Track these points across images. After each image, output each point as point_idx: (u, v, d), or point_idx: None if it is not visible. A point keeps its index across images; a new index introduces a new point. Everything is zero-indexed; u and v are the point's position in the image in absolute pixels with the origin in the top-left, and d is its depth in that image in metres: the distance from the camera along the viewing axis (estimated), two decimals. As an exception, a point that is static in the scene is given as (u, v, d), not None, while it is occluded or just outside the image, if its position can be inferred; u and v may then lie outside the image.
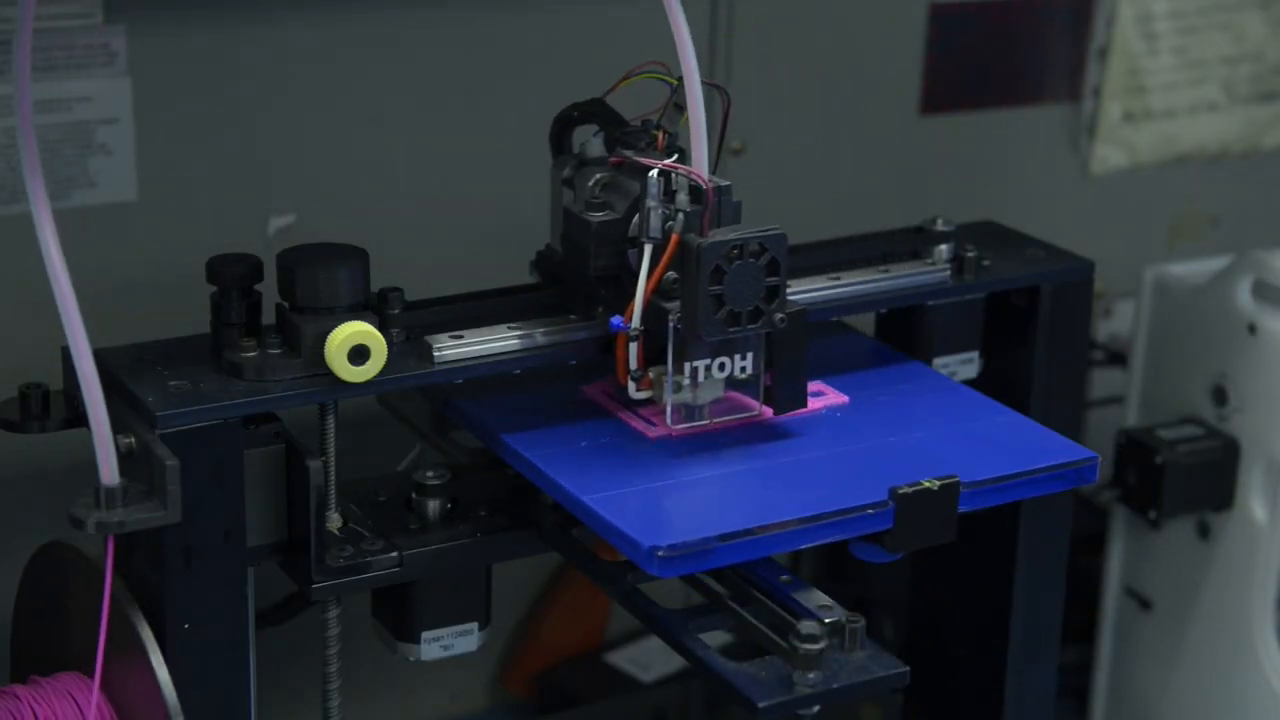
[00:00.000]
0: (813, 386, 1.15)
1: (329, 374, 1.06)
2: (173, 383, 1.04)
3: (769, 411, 1.12)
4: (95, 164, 1.32)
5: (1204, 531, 1.47)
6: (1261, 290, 1.43)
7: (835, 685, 1.01)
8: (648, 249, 1.07)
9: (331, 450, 1.11)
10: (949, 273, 1.23)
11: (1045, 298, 1.25)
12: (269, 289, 1.09)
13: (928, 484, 1.04)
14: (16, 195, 1.30)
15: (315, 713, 1.16)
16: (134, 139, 1.33)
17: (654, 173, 1.07)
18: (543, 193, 1.34)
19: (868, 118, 1.61)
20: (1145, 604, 1.53)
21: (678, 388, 1.09)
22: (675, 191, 1.07)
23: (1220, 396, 1.45)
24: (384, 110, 1.41)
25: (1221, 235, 1.81)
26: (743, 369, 1.10)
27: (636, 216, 1.09)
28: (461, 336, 1.10)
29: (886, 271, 1.22)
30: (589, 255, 1.11)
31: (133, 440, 1.01)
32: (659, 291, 1.07)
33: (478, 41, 1.43)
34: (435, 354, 1.09)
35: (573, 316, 1.14)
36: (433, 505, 1.14)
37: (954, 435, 1.13)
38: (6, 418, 1.08)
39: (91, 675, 1.03)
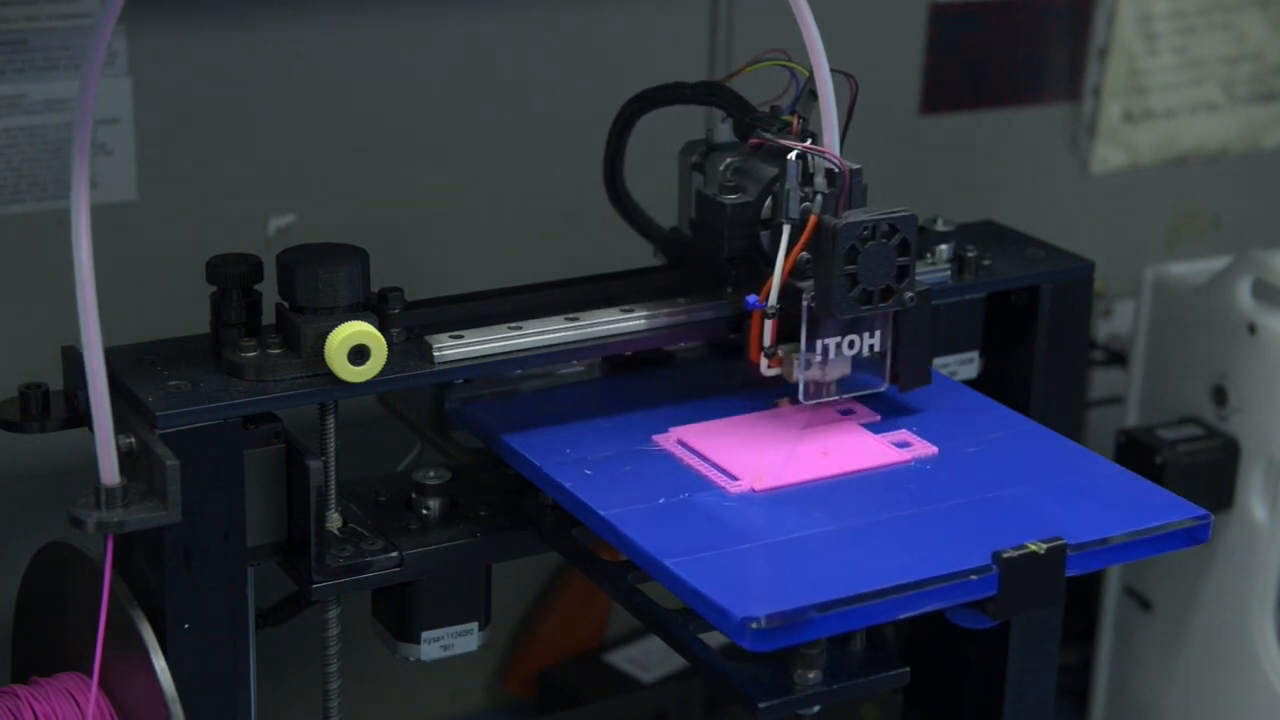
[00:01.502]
0: (899, 436, 1.12)
1: (329, 374, 1.06)
2: (173, 383, 1.04)
3: (893, 388, 1.13)
4: (95, 164, 1.32)
5: (1204, 531, 1.47)
6: (1261, 290, 1.43)
7: (835, 685, 1.01)
8: (786, 229, 1.08)
9: (331, 450, 1.11)
10: (949, 273, 1.23)
11: (1045, 298, 1.25)
12: (269, 289, 1.09)
13: (1033, 547, 0.98)
14: (18, 195, 1.30)
15: (315, 713, 1.16)
16: (134, 139, 1.33)
17: (794, 155, 1.08)
18: (542, 192, 1.35)
19: (868, 118, 1.61)
20: (1145, 604, 1.53)
21: (809, 365, 1.10)
22: (813, 174, 1.09)
23: (1220, 396, 1.45)
24: (384, 110, 1.41)
25: (1221, 235, 1.81)
26: (871, 346, 1.11)
27: (769, 199, 1.12)
28: (461, 336, 1.10)
29: (887, 271, 1.22)
30: (722, 237, 1.12)
31: (133, 440, 1.01)
32: (793, 271, 1.09)
33: (478, 41, 1.43)
34: (435, 354, 1.09)
35: (569, 316, 1.13)
36: (433, 505, 1.14)
37: (1052, 489, 1.07)
38: (6, 418, 1.08)
39: (92, 675, 1.03)
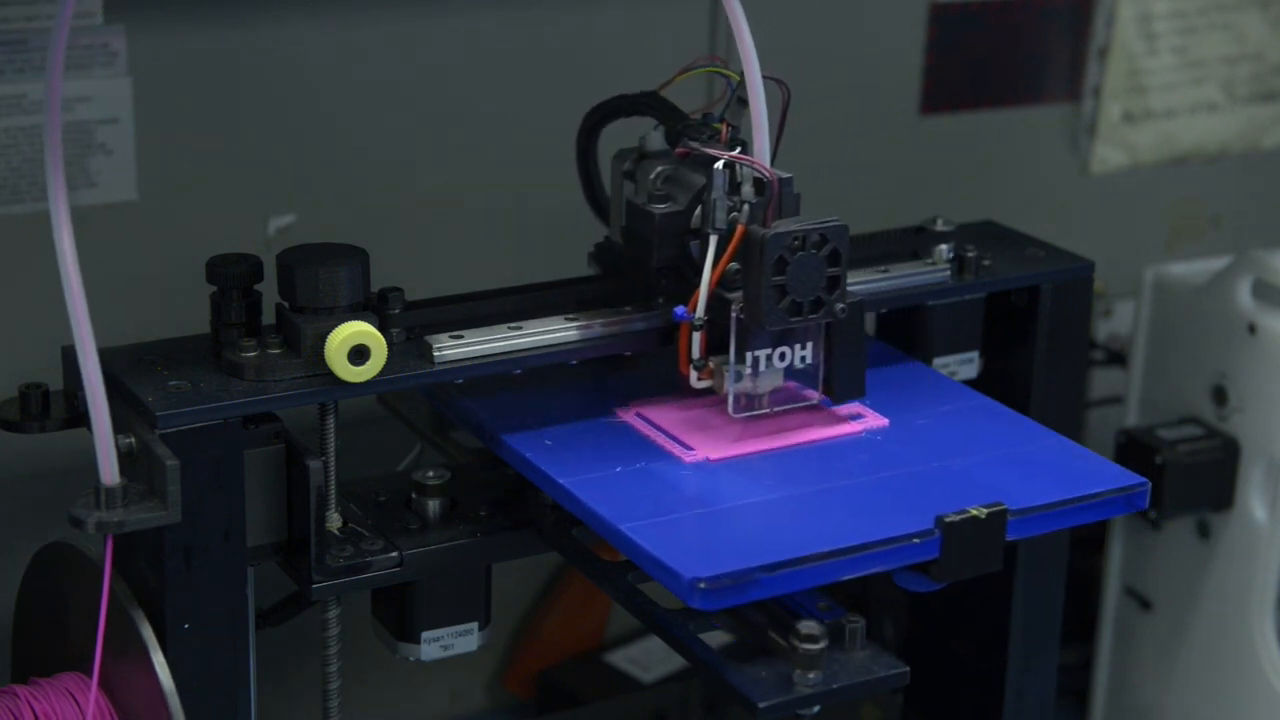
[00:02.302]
0: (851, 409, 1.14)
1: (329, 374, 1.06)
2: (173, 383, 1.04)
3: (821, 411, 1.12)
4: (95, 164, 1.32)
5: (1204, 531, 1.47)
6: (1261, 290, 1.43)
7: (835, 685, 1.01)
8: (713, 240, 1.08)
9: (331, 450, 1.11)
10: (949, 273, 1.23)
11: (1045, 298, 1.25)
12: (269, 289, 1.09)
13: (974, 512, 1.02)
14: (18, 195, 1.30)
15: (315, 713, 1.16)
16: (134, 139, 1.33)
17: (720, 164, 1.07)
18: (543, 191, 1.35)
19: (868, 118, 1.61)
20: (1145, 604, 1.53)
21: (738, 377, 1.09)
22: (740, 183, 1.08)
23: (1220, 396, 1.45)
24: (384, 110, 1.41)
25: (1221, 235, 1.81)
26: (803, 358, 1.10)
27: (699, 208, 1.10)
28: (461, 336, 1.10)
29: (886, 271, 1.22)
30: (652, 246, 1.11)
31: (133, 440, 1.01)
32: (722, 282, 1.08)
33: (479, 41, 1.43)
34: (435, 354, 1.09)
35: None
36: (433, 505, 1.14)
37: (998, 460, 1.11)
38: (6, 418, 1.08)
39: (91, 675, 1.03)
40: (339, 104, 1.39)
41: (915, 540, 1.01)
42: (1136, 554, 1.53)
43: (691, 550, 1.00)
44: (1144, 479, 1.08)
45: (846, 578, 1.00)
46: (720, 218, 1.07)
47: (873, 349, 1.26)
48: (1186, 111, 1.76)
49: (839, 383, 1.11)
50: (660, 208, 1.11)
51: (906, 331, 1.25)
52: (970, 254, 1.23)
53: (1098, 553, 1.56)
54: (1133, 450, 1.46)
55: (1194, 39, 1.73)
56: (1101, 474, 1.09)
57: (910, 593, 1.38)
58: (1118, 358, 1.69)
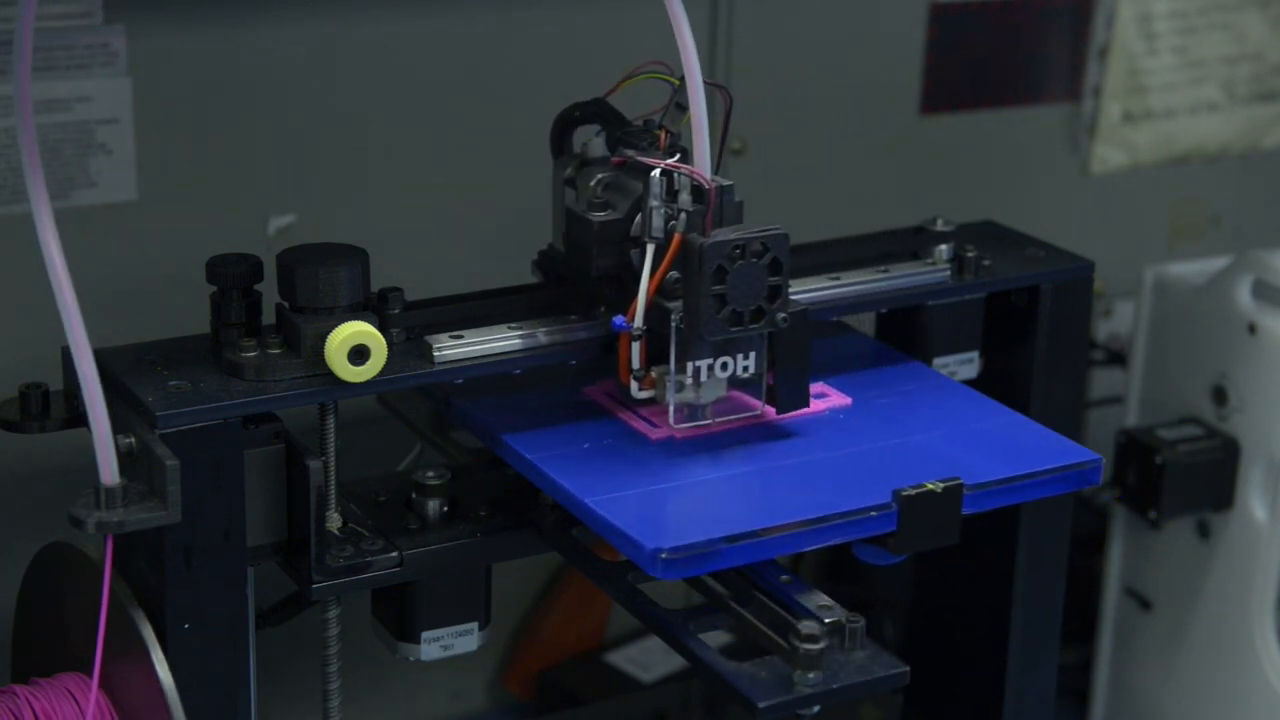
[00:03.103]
0: (815, 388, 1.15)
1: (329, 374, 1.06)
2: (173, 383, 1.04)
3: (771, 411, 1.12)
4: (95, 164, 1.32)
5: (1204, 531, 1.47)
6: (1261, 290, 1.43)
7: (835, 685, 1.01)
8: (650, 249, 1.07)
9: (331, 450, 1.11)
10: (949, 273, 1.23)
11: (1045, 298, 1.25)
12: (269, 289, 1.09)
13: (931, 486, 1.04)
14: (18, 195, 1.30)
15: (315, 713, 1.16)
16: (134, 139, 1.33)
17: (656, 172, 1.07)
18: (543, 192, 1.34)
19: (868, 118, 1.61)
20: (1145, 604, 1.53)
21: (680, 387, 1.09)
22: (678, 191, 1.07)
23: (1220, 396, 1.45)
24: (384, 110, 1.41)
25: (1221, 235, 1.81)
26: (745, 368, 1.10)
27: (639, 216, 1.10)
28: (461, 336, 1.10)
29: (886, 271, 1.22)
30: (591, 255, 1.11)
31: (133, 440, 1.01)
32: (661, 291, 1.07)
33: (478, 41, 1.43)
34: (435, 354, 1.09)
35: (574, 316, 1.14)
36: (433, 505, 1.14)
37: (957, 437, 1.13)
38: (6, 418, 1.08)
39: (91, 675, 1.03)
40: (339, 104, 1.39)
41: (873, 514, 1.03)
42: (1136, 554, 1.53)
43: (655, 522, 1.02)
44: (1097, 455, 1.10)
45: (806, 549, 1.04)
46: (657, 226, 1.07)
47: (873, 349, 1.26)
48: (1186, 111, 1.76)
49: (783, 393, 1.11)
50: (599, 215, 1.11)
51: (906, 331, 1.25)
52: (970, 254, 1.23)
53: (1098, 553, 1.56)
54: (1133, 450, 1.46)
55: (1194, 39, 1.73)
56: (1057, 450, 1.12)
57: (911, 593, 1.38)
58: (1118, 358, 1.69)
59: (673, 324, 1.07)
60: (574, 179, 1.15)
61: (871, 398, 1.17)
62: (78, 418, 1.06)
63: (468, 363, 1.10)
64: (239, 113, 1.36)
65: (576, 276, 1.13)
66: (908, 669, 1.03)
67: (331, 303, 1.07)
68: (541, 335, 1.12)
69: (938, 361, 1.24)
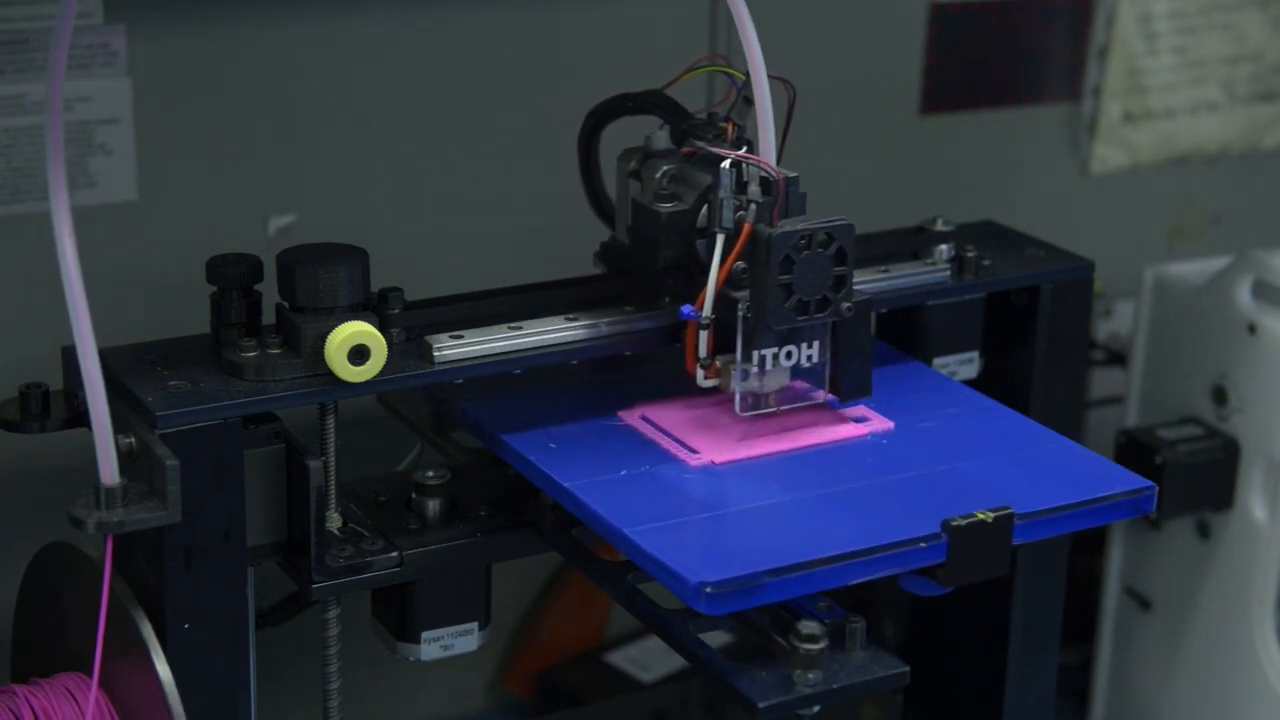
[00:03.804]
0: (856, 412, 1.14)
1: (329, 374, 1.06)
2: (173, 383, 1.04)
3: (833, 399, 1.12)
4: (95, 164, 1.32)
5: (1204, 531, 1.47)
6: (1261, 290, 1.43)
7: (835, 685, 1.01)
8: (720, 239, 1.08)
9: (331, 450, 1.11)
10: (949, 273, 1.23)
11: (1045, 298, 1.25)
12: (269, 289, 1.09)
13: (981, 516, 1.01)
14: (18, 195, 1.30)
15: (315, 713, 1.16)
16: (134, 139, 1.33)
17: (727, 164, 1.07)
18: (543, 191, 1.35)
19: (868, 118, 1.61)
20: (1145, 604, 1.53)
21: (745, 375, 1.09)
22: (746, 183, 1.08)
23: (1220, 396, 1.45)
24: (384, 110, 1.41)
25: (1221, 235, 1.81)
26: (809, 357, 1.10)
27: (705, 207, 1.10)
28: (461, 336, 1.10)
29: (886, 271, 1.22)
30: (658, 246, 1.11)
31: (133, 440, 1.01)
32: (728, 281, 1.08)
33: (478, 41, 1.43)
34: (435, 354, 1.09)
35: (571, 317, 1.13)
36: (433, 505, 1.14)
37: (1004, 463, 1.10)
38: (6, 418, 1.08)
39: (92, 675, 1.03)
40: (339, 104, 1.39)
41: (922, 544, 1.00)
42: (1136, 554, 1.53)
43: (697, 554, 0.99)
44: (1150, 483, 1.07)
45: (853, 582, 1.00)
46: (727, 217, 1.08)
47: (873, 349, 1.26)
48: (1186, 111, 1.76)
49: (845, 382, 1.11)
50: (666, 207, 1.12)
51: (906, 331, 1.25)
52: (970, 254, 1.23)
53: (1098, 553, 1.56)
54: (1133, 450, 1.46)
55: (1194, 39, 1.73)
56: (1107, 477, 1.09)
57: (911, 593, 1.38)
58: (1118, 358, 1.69)
59: (739, 313, 1.07)
60: (639, 171, 1.15)
61: (914, 421, 1.14)
62: (78, 418, 1.06)
63: (467, 363, 1.10)
64: (239, 113, 1.36)
65: (641, 267, 1.14)
66: (908, 669, 1.03)
67: (331, 303, 1.07)
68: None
69: (938, 361, 1.24)
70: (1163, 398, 1.50)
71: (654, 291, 1.14)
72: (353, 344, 1.05)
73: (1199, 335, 1.46)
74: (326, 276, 1.07)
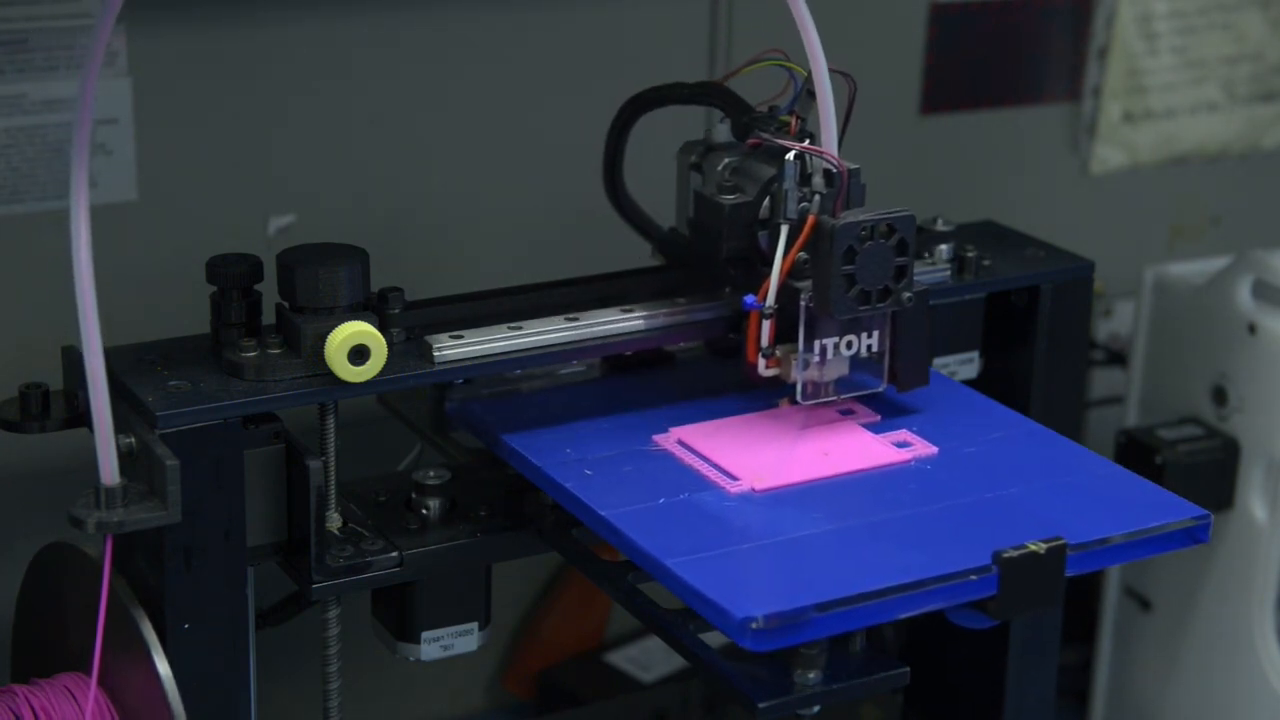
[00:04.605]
0: (898, 436, 1.12)
1: (329, 374, 1.06)
2: (173, 383, 1.04)
3: (892, 389, 1.13)
4: (95, 164, 1.32)
5: (1204, 531, 1.47)
6: (1261, 290, 1.43)
7: (835, 685, 1.01)
8: (784, 229, 1.08)
9: (331, 450, 1.11)
10: (949, 273, 1.23)
11: (1045, 298, 1.25)
12: (269, 289, 1.09)
13: (1033, 547, 0.98)
14: (18, 195, 1.30)
15: (315, 713, 1.16)
16: (134, 139, 1.33)
17: (792, 155, 1.08)
18: (543, 191, 1.35)
19: (868, 118, 1.61)
20: (1145, 604, 1.53)
21: (806, 365, 1.10)
22: (810, 174, 1.09)
23: (1220, 396, 1.45)
24: (384, 110, 1.41)
25: (1221, 235, 1.81)
26: (869, 347, 1.11)
27: (768, 199, 1.11)
28: (461, 336, 1.10)
29: (887, 271, 1.22)
30: (720, 237, 1.12)
31: (133, 440, 1.01)
32: (791, 271, 1.09)
33: (479, 41, 1.43)
34: (435, 354, 1.09)
35: (571, 316, 1.13)
36: (433, 505, 1.14)
37: (1053, 490, 1.07)
38: (6, 418, 1.08)
39: (91, 675, 1.03)
40: (340, 104, 1.39)
41: (972, 577, 0.97)
42: (1136, 554, 1.53)
43: (742, 587, 0.96)
44: (1206, 512, 1.04)
45: (903, 616, 0.97)
46: (791, 208, 1.09)
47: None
48: (1186, 111, 1.76)
49: (904, 371, 1.12)
50: (729, 199, 1.13)
51: (907, 331, 1.25)
52: (970, 254, 1.23)
53: (1098, 553, 1.56)
54: (1133, 450, 1.46)
55: (1194, 39, 1.73)
56: (1162, 505, 1.06)
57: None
58: (1118, 358, 1.69)
59: (802, 303, 1.08)
60: (700, 164, 1.16)
61: (958, 446, 1.11)
62: (78, 418, 1.06)
63: (467, 363, 1.10)
64: (239, 113, 1.36)
65: (702, 259, 1.14)
66: (908, 669, 1.03)
67: (331, 303, 1.07)
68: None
69: (938, 361, 1.24)
70: (1163, 398, 1.50)
71: (716, 282, 1.15)
72: (353, 344, 1.05)
73: (1199, 335, 1.46)
74: (326, 276, 1.07)
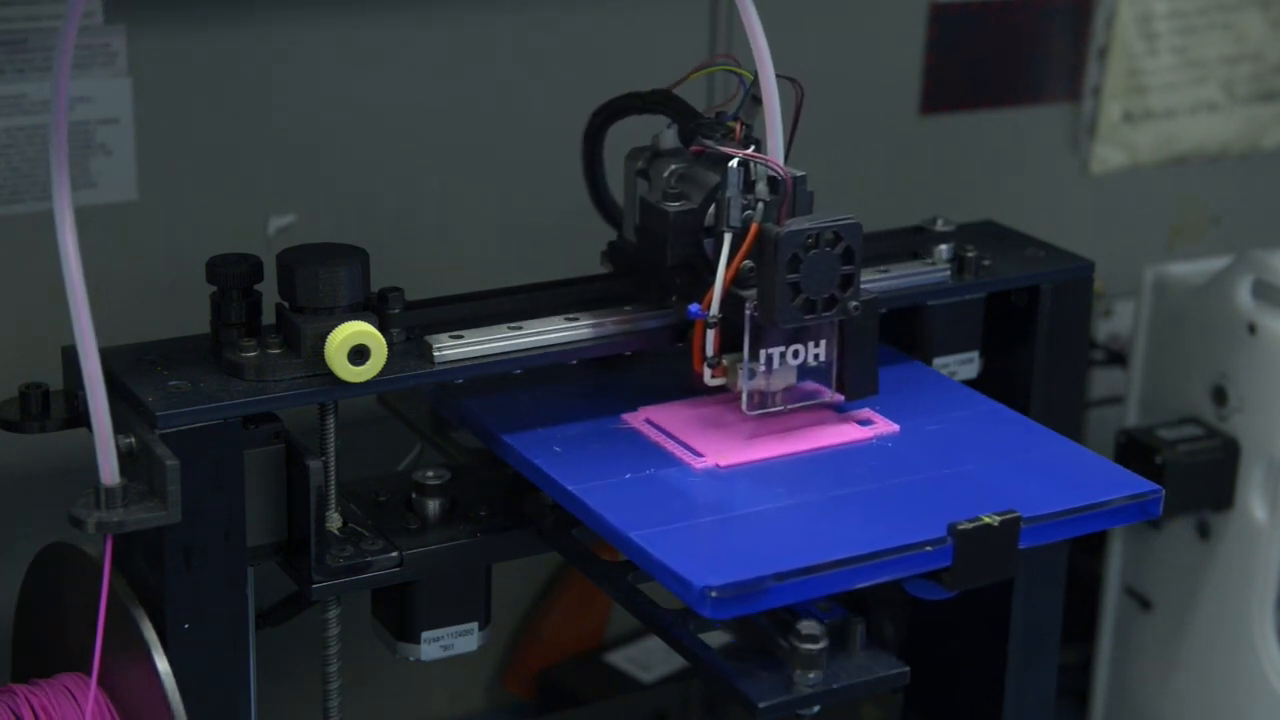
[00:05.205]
0: (861, 415, 1.14)
1: (329, 374, 1.06)
2: (173, 383, 1.04)
3: (839, 398, 1.12)
4: (95, 164, 1.32)
5: (1204, 531, 1.47)
6: (1261, 290, 1.43)
7: (835, 685, 1.01)
8: (728, 238, 1.08)
9: (331, 450, 1.11)
10: (949, 273, 1.23)
11: (1045, 298, 1.25)
12: (269, 289, 1.09)
13: (987, 520, 1.01)
14: (18, 195, 1.30)
15: (315, 713, 1.16)
16: (134, 139, 1.33)
17: (734, 162, 1.07)
18: (543, 191, 1.35)
19: (868, 118, 1.61)
20: (1145, 604, 1.53)
21: (752, 374, 1.09)
22: (755, 181, 1.08)
23: (1220, 396, 1.45)
24: (384, 110, 1.41)
25: (1221, 235, 1.81)
26: (816, 356, 1.10)
27: (713, 206, 1.10)
28: (461, 336, 1.10)
29: (886, 271, 1.22)
30: (665, 245, 1.11)
31: (133, 440, 1.01)
32: (736, 280, 1.08)
33: (478, 42, 1.43)
34: (435, 354, 1.09)
35: (567, 316, 1.13)
36: (433, 505, 1.14)
37: (1011, 466, 1.10)
38: (6, 418, 1.08)
39: (91, 675, 1.03)
40: (339, 104, 1.39)
41: (928, 548, 1.00)
42: (1136, 554, 1.53)
43: (702, 558, 0.99)
44: (1157, 486, 1.07)
45: (858, 586, 1.00)
46: (735, 215, 1.08)
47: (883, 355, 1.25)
48: (1186, 111, 1.76)
49: (852, 381, 1.11)
50: (674, 206, 1.12)
51: (906, 331, 1.25)
52: (970, 254, 1.23)
53: (1098, 553, 1.56)
54: (1133, 450, 1.46)
55: (1194, 39, 1.73)
56: (1114, 480, 1.08)
57: (910, 593, 1.38)
58: (1118, 358, 1.69)
59: (747, 312, 1.07)
60: (646, 170, 1.15)
61: (920, 424, 1.14)
62: (78, 418, 1.06)
63: (467, 363, 1.10)
64: (239, 112, 1.36)
65: (648, 266, 1.14)
66: (908, 669, 1.03)
67: (331, 303, 1.07)
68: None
69: (938, 361, 1.24)
70: (1163, 398, 1.50)
71: (661, 290, 1.14)
72: (353, 344, 1.05)
73: (1199, 335, 1.46)
74: (326, 276, 1.07)
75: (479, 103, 1.44)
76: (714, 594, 0.95)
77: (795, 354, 1.10)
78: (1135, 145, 1.74)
